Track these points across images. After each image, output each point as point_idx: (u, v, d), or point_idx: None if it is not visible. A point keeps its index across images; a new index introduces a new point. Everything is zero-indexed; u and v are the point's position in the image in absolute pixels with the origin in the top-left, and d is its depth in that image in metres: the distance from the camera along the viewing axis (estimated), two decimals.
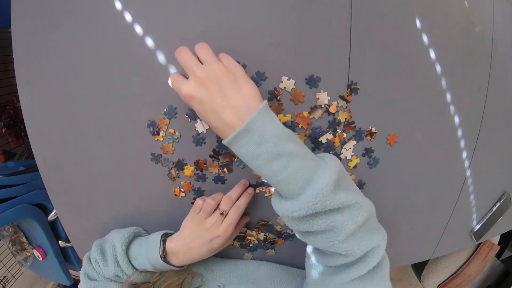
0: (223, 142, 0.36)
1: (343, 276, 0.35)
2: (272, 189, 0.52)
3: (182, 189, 0.53)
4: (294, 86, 0.47)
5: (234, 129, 0.34)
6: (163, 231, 0.48)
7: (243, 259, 0.58)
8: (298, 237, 0.40)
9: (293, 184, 0.34)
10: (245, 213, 0.51)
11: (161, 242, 0.45)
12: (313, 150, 0.51)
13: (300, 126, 0.49)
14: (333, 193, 0.32)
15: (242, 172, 0.51)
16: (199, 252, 0.45)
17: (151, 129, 0.50)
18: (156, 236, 0.47)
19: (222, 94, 0.34)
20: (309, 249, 0.43)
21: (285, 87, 0.47)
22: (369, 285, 0.35)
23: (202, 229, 0.45)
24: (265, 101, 0.36)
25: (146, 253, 0.45)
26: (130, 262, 0.47)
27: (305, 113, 0.49)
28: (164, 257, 0.45)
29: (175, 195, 0.54)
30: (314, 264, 0.41)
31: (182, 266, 0.47)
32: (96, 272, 0.49)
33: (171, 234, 0.48)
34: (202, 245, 0.45)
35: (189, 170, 0.51)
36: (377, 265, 0.36)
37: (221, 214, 0.45)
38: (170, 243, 0.46)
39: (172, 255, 0.45)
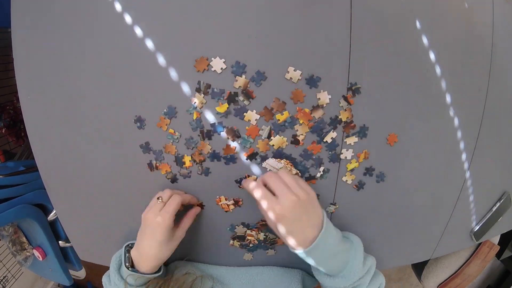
0: (304, 251, 0.42)
1: None
2: (294, 170, 0.51)
3: (228, 203, 0.53)
4: (300, 78, 0.47)
5: (309, 242, 0.42)
6: (128, 242, 0.50)
7: (252, 266, 0.59)
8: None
9: (338, 266, 0.45)
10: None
11: (125, 253, 0.47)
12: (318, 143, 0.50)
13: (301, 121, 0.49)
14: (363, 265, 0.45)
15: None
16: (151, 251, 0.46)
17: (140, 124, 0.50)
18: (122, 249, 0.49)
19: (306, 215, 0.42)
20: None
21: (291, 78, 0.47)
22: None
23: (144, 223, 0.46)
24: (324, 214, 0.44)
25: (121, 268, 0.47)
26: (122, 278, 0.48)
27: (307, 110, 0.49)
28: (132, 266, 0.46)
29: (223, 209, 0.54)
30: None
31: (155, 273, 0.48)
32: None
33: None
34: (150, 242, 0.45)
35: (187, 160, 0.51)
36: None
37: (158, 199, 0.46)
38: (132, 251, 0.47)
39: (138, 262, 0.46)
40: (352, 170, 0.53)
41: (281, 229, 0.42)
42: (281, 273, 0.56)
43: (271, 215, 0.42)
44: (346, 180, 0.53)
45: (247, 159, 0.50)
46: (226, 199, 0.53)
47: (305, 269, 0.59)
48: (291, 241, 0.43)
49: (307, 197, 0.42)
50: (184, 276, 0.47)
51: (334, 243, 0.44)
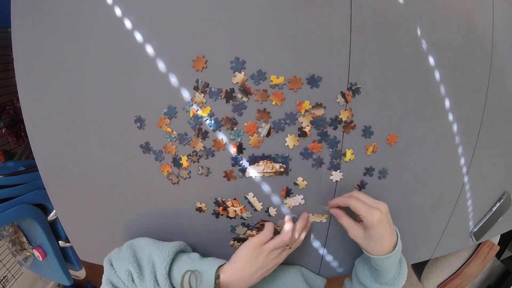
0: (392, 254, 0.46)
1: None
2: (277, 165, 0.51)
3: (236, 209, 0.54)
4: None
5: (392, 246, 0.47)
6: (216, 264, 0.46)
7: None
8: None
9: (394, 274, 0.50)
10: None
11: (215, 279, 0.44)
12: (319, 142, 0.51)
13: (302, 112, 0.49)
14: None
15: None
16: (252, 279, 0.47)
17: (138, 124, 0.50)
18: (209, 268, 0.45)
19: (390, 222, 0.47)
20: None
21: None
22: None
23: (266, 259, 0.48)
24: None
25: (196, 283, 0.43)
26: (171, 283, 0.44)
27: (307, 103, 0.49)
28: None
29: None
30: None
31: None
32: (120, 280, 0.46)
33: (222, 264, 0.47)
34: (256, 272, 0.47)
35: (184, 160, 0.51)
36: None
37: (287, 246, 0.49)
38: (223, 276, 0.45)
39: (224, 285, 0.45)
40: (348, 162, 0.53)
41: (376, 232, 0.45)
42: (280, 269, 0.57)
43: (372, 219, 0.44)
44: (333, 179, 0.53)
45: (237, 154, 0.50)
46: (238, 204, 0.53)
47: (302, 265, 0.61)
48: (385, 244, 0.46)
49: (387, 208, 0.47)
50: None
51: (400, 250, 0.47)
